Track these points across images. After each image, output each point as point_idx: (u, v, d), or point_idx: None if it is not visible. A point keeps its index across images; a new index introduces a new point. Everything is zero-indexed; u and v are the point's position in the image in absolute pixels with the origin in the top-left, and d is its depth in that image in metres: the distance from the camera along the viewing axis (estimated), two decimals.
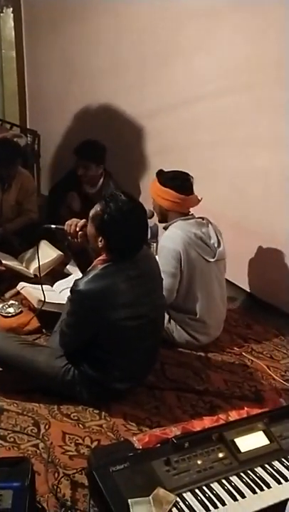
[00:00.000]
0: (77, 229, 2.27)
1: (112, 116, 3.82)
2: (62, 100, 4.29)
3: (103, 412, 2.21)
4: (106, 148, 3.51)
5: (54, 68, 4.27)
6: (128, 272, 2.11)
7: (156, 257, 2.57)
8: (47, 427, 2.12)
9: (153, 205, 2.76)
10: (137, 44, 3.47)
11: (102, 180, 3.51)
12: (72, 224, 2.29)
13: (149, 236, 2.86)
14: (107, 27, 3.64)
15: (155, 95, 3.45)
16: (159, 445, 1.76)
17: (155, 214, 2.81)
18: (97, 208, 2.10)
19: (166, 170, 2.71)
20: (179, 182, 2.62)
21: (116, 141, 3.73)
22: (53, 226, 2.41)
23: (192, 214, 2.74)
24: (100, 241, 2.09)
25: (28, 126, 4.69)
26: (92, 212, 2.13)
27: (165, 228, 2.74)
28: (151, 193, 2.73)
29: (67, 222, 2.31)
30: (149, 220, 2.32)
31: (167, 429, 1.91)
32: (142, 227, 2.14)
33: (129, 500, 1.48)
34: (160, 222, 2.83)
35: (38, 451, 1.98)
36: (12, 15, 4.38)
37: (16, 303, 2.92)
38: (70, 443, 2.03)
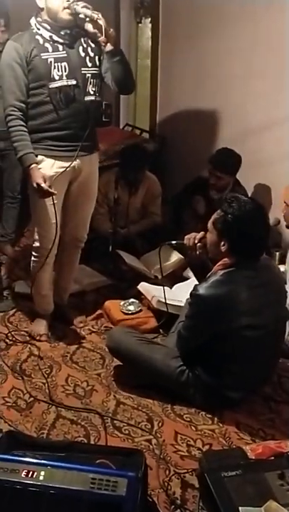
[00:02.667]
0: (196, 241, 2.32)
1: (241, 122, 3.79)
2: (191, 107, 4.35)
3: (216, 418, 2.21)
4: (241, 159, 3.48)
5: (186, 76, 4.34)
6: (250, 281, 2.10)
7: (282, 267, 2.51)
8: (160, 424, 2.17)
9: (284, 212, 2.69)
10: (275, 49, 3.41)
11: (230, 187, 3.50)
12: (191, 237, 2.35)
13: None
14: (244, 33, 3.62)
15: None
16: (273, 458, 1.72)
17: (282, 221, 2.74)
18: (218, 211, 2.15)
19: None
20: None
21: (244, 147, 3.69)
22: (173, 242, 2.50)
23: None
24: (223, 245, 2.12)
25: (157, 132, 4.82)
26: (213, 218, 2.17)
27: None
28: (286, 200, 2.66)
29: (186, 237, 2.37)
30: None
31: (282, 442, 1.86)
32: (264, 226, 2.16)
33: (240, 508, 1.48)
34: None
35: (150, 447, 2.04)
36: (150, 25, 4.53)
37: (136, 301, 3.02)
38: (182, 443, 2.06)
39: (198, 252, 2.32)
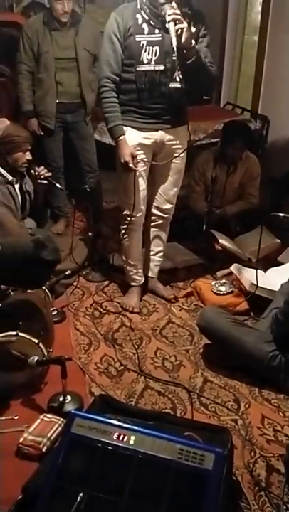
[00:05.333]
0: None
1: None
2: None
3: None
4: None
5: None
6: None
7: None
8: (247, 406, 2.16)
9: None
10: None
11: None
12: None
13: None
14: None
15: None
16: None
17: None
18: None
19: None
20: None
21: None
22: (281, 215, 2.42)
23: None
24: None
25: (259, 112, 4.69)
26: None
27: None
28: None
29: None
30: None
31: None
32: None
33: None
34: None
35: (236, 427, 2.04)
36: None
37: (228, 282, 2.99)
38: (269, 427, 2.04)
39: None
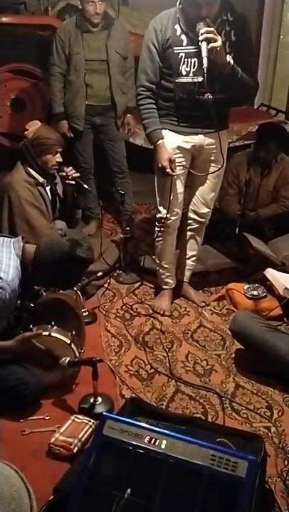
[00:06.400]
0: None
1: None
2: None
3: None
4: None
5: None
6: None
7: None
8: (280, 413, 2.12)
9: None
10: None
11: None
12: None
13: None
14: None
15: None
16: None
17: None
18: None
19: None
20: None
21: None
22: None
23: None
24: None
25: None
26: None
27: None
28: None
29: None
30: None
31: None
32: None
33: None
34: None
35: (269, 434, 2.00)
36: None
37: (261, 287, 2.94)
38: None
39: None
